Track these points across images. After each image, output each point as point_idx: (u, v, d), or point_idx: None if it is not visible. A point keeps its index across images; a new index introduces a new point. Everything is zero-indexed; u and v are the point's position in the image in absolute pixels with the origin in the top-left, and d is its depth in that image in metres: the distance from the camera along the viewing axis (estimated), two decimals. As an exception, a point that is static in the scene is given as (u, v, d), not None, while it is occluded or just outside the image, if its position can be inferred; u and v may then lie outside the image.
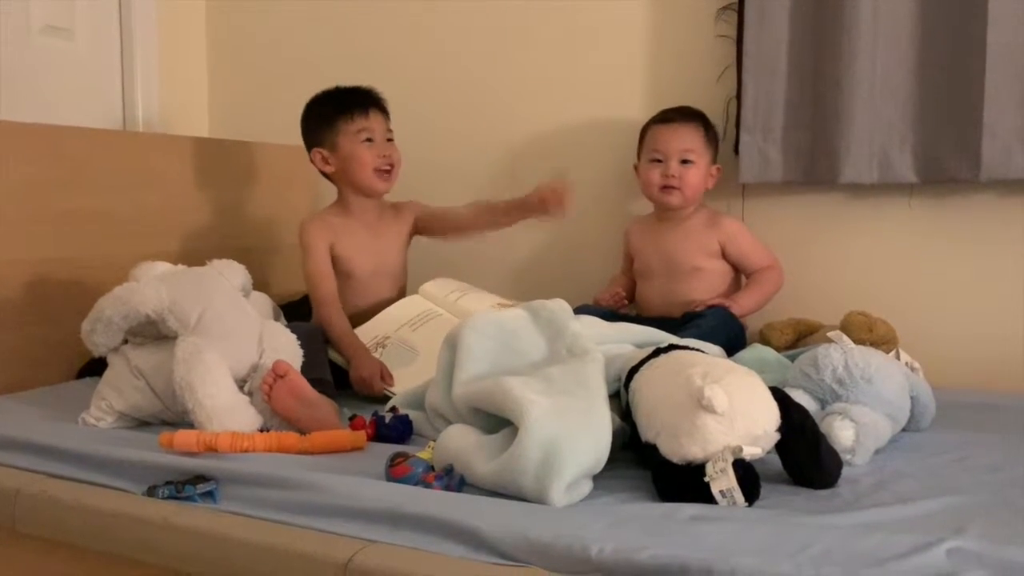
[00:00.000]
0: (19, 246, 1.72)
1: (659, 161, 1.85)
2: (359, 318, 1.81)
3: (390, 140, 1.89)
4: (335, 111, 1.86)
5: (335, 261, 1.86)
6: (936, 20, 1.73)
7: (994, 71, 1.66)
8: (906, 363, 1.48)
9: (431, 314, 1.76)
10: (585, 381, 1.22)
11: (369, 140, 1.85)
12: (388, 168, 1.86)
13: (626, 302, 1.94)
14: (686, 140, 1.83)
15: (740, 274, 1.90)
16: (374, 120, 1.86)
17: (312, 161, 1.90)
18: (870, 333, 1.59)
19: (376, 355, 1.68)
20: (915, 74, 1.76)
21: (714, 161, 1.88)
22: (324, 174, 1.91)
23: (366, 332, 1.75)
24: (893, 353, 1.52)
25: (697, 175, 1.84)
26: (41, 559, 1.24)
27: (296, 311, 1.92)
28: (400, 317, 1.75)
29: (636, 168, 1.93)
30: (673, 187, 1.84)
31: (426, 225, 1.97)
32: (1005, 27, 1.66)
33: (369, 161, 1.84)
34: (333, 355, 1.68)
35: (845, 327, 1.59)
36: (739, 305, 1.76)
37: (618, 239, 2.03)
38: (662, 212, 1.92)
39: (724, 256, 1.86)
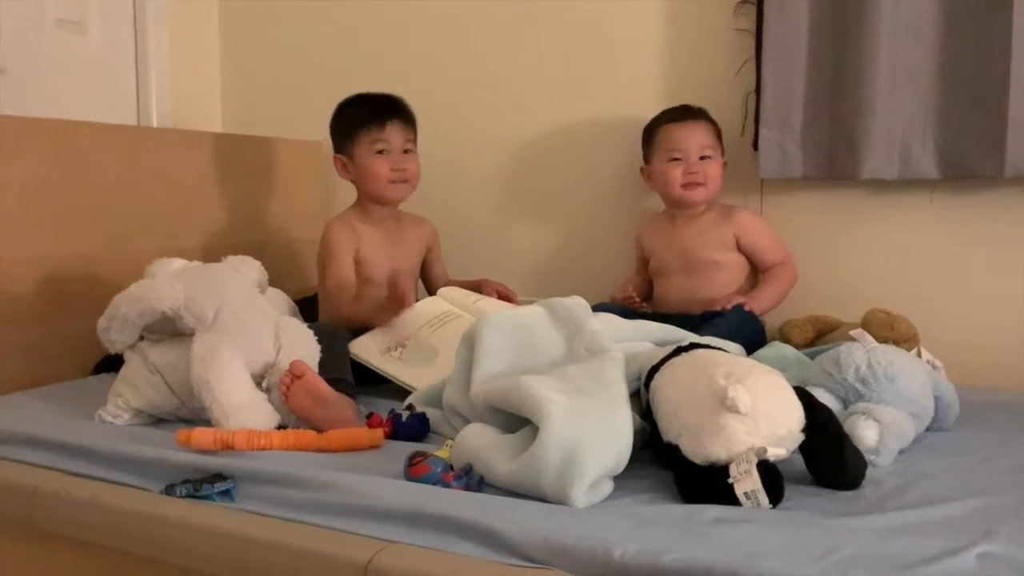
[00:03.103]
0: (35, 243, 1.71)
1: (678, 160, 1.84)
2: None
3: (407, 151, 1.89)
4: (354, 121, 1.88)
5: (356, 264, 1.87)
6: (959, 12, 1.70)
7: (1019, 64, 1.63)
8: (928, 361, 1.46)
9: (451, 315, 1.76)
10: (605, 379, 1.21)
11: (383, 152, 1.86)
12: (403, 180, 1.88)
13: (640, 304, 1.92)
14: (702, 137, 1.85)
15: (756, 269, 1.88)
16: (391, 131, 1.86)
17: (334, 165, 1.93)
18: (891, 331, 1.56)
19: (396, 355, 1.69)
20: (937, 67, 1.73)
21: (722, 156, 1.88)
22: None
23: (387, 333, 1.74)
24: (914, 351, 1.50)
25: (716, 169, 1.85)
26: (59, 557, 1.24)
27: (311, 307, 1.91)
28: (420, 318, 1.75)
29: (643, 170, 1.92)
30: (698, 183, 1.84)
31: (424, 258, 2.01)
32: (1031, 19, 1.63)
33: (382, 173, 1.86)
34: (355, 354, 1.67)
35: (866, 325, 1.56)
36: (756, 303, 1.75)
37: (634, 237, 2.01)
38: (675, 210, 1.91)
39: (739, 249, 1.86)
